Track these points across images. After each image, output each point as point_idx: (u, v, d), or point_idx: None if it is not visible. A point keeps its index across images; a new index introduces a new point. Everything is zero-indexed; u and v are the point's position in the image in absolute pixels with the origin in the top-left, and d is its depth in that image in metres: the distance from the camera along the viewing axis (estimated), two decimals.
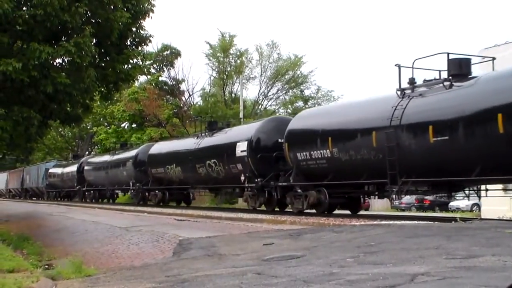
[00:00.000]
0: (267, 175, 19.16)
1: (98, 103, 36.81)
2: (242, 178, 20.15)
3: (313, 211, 17.54)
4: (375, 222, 12.59)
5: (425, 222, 12.32)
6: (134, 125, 52.27)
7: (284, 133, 18.44)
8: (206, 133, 24.00)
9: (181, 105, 51.72)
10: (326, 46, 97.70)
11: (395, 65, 14.96)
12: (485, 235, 8.41)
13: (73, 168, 42.16)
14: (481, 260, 6.20)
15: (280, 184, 18.62)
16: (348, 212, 18.23)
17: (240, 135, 21.00)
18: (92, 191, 38.70)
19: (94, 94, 19.45)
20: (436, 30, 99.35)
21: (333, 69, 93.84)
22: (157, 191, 28.07)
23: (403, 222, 12.44)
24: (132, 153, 31.77)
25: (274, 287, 5.73)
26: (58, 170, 46.58)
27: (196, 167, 23.15)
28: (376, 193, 16.87)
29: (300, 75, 49.66)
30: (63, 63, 17.22)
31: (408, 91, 14.66)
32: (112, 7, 16.52)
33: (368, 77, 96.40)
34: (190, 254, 9.87)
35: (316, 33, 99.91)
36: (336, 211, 18.64)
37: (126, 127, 54.29)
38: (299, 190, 17.55)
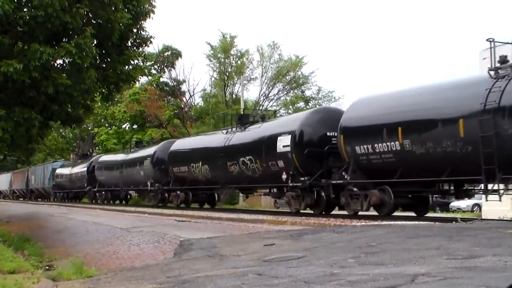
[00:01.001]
0: (314, 173, 17.20)
1: (99, 104, 36.74)
2: (284, 176, 18.16)
3: (365, 213, 15.95)
4: (376, 223, 12.59)
5: (426, 222, 12.31)
6: (135, 126, 52.34)
7: (331, 125, 17.00)
8: (237, 128, 21.95)
9: (182, 106, 51.78)
10: (327, 46, 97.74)
11: (487, 39, 13.18)
12: (486, 236, 8.41)
13: (83, 167, 40.31)
14: (482, 261, 6.20)
15: (334, 182, 16.47)
16: (342, 212, 17.47)
17: (281, 129, 18.83)
18: (103, 192, 36.91)
19: (95, 95, 19.46)
20: (436, 30, 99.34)
21: (334, 69, 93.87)
22: (178, 192, 26.08)
23: (404, 222, 12.43)
24: (150, 151, 29.74)
25: (275, 287, 5.73)
26: (66, 170, 44.70)
27: (227, 165, 21.10)
28: (453, 191, 15.02)
29: (301, 75, 49.65)
30: (64, 64, 17.24)
31: (503, 71, 12.71)
32: (113, 8, 16.53)
33: (369, 78, 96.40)
34: (191, 254, 9.87)
35: (317, 33, 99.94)
36: (334, 211, 18.31)
37: (127, 128, 54.35)
38: (355, 189, 15.69)
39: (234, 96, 49.81)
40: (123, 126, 54.71)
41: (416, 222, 12.19)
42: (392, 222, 12.34)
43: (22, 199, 60.09)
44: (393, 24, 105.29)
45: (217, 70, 49.25)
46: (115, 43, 17.42)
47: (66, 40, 16.10)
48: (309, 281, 5.81)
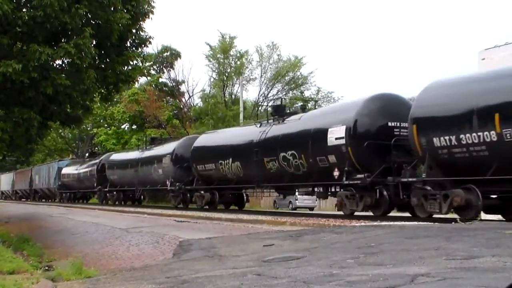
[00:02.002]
0: (374, 169, 15.18)
1: (98, 104, 36.72)
2: (336, 173, 16.07)
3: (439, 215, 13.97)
4: (375, 223, 12.58)
5: (425, 223, 12.31)
6: (134, 127, 52.33)
7: (393, 114, 15.34)
8: (274, 120, 19.91)
9: (181, 106, 51.79)
10: (326, 47, 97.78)
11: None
12: (485, 236, 8.41)
13: (92, 166, 38.01)
14: (481, 261, 6.20)
15: (405, 180, 14.28)
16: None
17: (332, 119, 16.64)
18: (115, 192, 34.43)
19: (94, 95, 19.49)
20: (436, 30, 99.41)
21: (333, 70, 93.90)
22: (202, 192, 23.66)
23: (403, 223, 12.43)
24: (169, 147, 27.30)
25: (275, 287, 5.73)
26: (73, 169, 42.49)
27: (264, 162, 19.00)
28: None
29: (300, 76, 49.72)
30: (63, 65, 17.26)
31: None
32: (112, 8, 16.55)
33: (368, 78, 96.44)
34: (190, 255, 9.87)
35: (316, 34, 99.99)
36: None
37: (126, 128, 54.34)
38: (429, 188, 13.52)
39: (233, 96, 49.84)
40: (122, 127, 54.70)
41: (416, 223, 12.19)
42: (391, 223, 12.35)
43: (25, 199, 58.38)
44: (392, 24, 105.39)
45: (216, 71, 49.31)
46: (114, 44, 17.44)
47: (65, 40, 16.13)
48: (308, 282, 5.81)
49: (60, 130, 59.62)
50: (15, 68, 14.85)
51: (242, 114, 41.31)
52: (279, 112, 20.13)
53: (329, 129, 16.25)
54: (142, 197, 34.29)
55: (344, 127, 15.77)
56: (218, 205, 23.79)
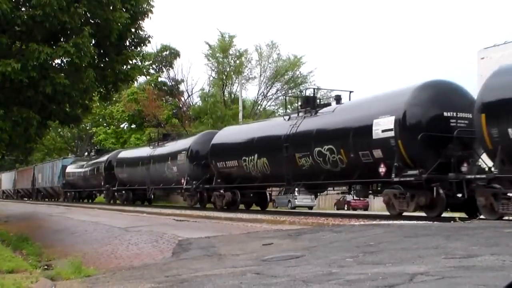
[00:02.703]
0: (428, 164, 13.55)
1: (97, 103, 36.70)
2: (383, 169, 14.56)
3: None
4: (374, 222, 12.59)
5: (424, 222, 12.31)
6: (133, 126, 52.35)
7: (447, 104, 13.91)
8: (306, 112, 18.24)
9: (181, 105, 51.82)
10: (326, 46, 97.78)
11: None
12: (484, 235, 8.42)
13: (99, 164, 36.40)
14: (480, 260, 6.21)
15: (471, 177, 12.80)
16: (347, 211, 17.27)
17: (377, 109, 15.00)
18: (123, 191, 32.80)
19: (93, 94, 19.48)
20: (436, 30, 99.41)
21: (332, 69, 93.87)
22: (222, 191, 22.01)
23: (402, 222, 12.43)
24: (184, 143, 25.73)
25: (274, 287, 5.73)
26: (79, 167, 40.87)
27: (296, 157, 17.45)
28: None
29: (299, 75, 49.76)
30: (62, 64, 17.26)
31: None
32: (111, 7, 16.54)
33: (367, 78, 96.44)
34: (189, 254, 9.87)
35: (316, 34, 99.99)
36: (330, 211, 17.94)
37: (125, 127, 54.35)
38: (498, 186, 12.07)
39: (232, 95, 49.88)
40: (122, 126, 54.70)
41: (415, 222, 12.20)
42: (390, 222, 12.35)
43: (26, 199, 56.89)
44: (391, 24, 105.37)
45: (216, 70, 49.35)
46: (113, 43, 17.43)
47: (64, 39, 16.12)
48: (307, 281, 5.81)
49: (59, 129, 59.68)
50: (14, 68, 14.84)
51: (242, 113, 41.32)
52: (311, 104, 18.37)
53: (375, 121, 14.67)
54: (152, 196, 32.09)
55: (393, 118, 14.20)
56: (239, 206, 22.31)
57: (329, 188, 19.05)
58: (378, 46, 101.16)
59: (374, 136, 14.68)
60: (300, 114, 18.54)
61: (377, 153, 14.70)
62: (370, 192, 16.86)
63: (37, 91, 16.37)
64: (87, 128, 62.95)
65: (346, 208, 41.28)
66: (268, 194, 22.77)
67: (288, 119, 18.84)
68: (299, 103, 19.21)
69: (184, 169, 24.56)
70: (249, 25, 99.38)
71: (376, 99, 16.18)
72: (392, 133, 14.24)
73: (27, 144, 21.26)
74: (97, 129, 55.57)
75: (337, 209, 38.36)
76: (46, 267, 11.53)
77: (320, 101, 19.06)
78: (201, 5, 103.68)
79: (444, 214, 14.64)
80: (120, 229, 15.88)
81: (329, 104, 18.19)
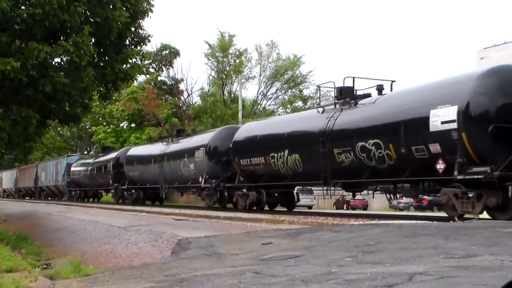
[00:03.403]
0: (499, 160, 12.07)
1: (97, 102, 36.72)
2: (441, 166, 13.01)
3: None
4: (373, 222, 12.59)
5: (424, 221, 12.31)
6: (133, 125, 52.37)
7: None
8: (345, 104, 16.58)
9: (180, 104, 51.85)
10: (325, 46, 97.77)
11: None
12: (483, 235, 8.42)
13: (107, 162, 34.67)
14: (479, 260, 6.21)
15: None
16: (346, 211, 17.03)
17: (434, 99, 13.45)
18: (134, 190, 31.10)
19: (93, 93, 19.49)
20: (435, 29, 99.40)
21: (331, 69, 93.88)
22: (245, 190, 20.47)
23: (401, 221, 12.44)
24: (202, 139, 24.06)
25: (273, 286, 5.73)
26: (85, 165, 39.24)
27: (334, 153, 15.96)
28: None
29: (299, 74, 49.76)
30: (62, 63, 17.25)
31: None
32: (111, 6, 16.54)
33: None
34: (188, 253, 9.87)
35: (315, 33, 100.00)
36: (332, 210, 17.80)
37: (125, 126, 54.36)
38: None
39: (232, 95, 49.90)
40: (121, 125, 54.70)
41: (414, 222, 12.20)
42: (389, 222, 12.36)
43: (28, 198, 55.44)
44: (391, 24, 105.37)
45: (215, 69, 49.37)
46: (113, 42, 17.43)
47: (64, 38, 16.12)
48: (306, 280, 5.81)
49: (59, 128, 59.70)
50: (13, 66, 14.84)
51: (241, 113, 41.33)
52: (349, 95, 16.68)
53: (432, 112, 13.14)
54: (164, 195, 30.57)
55: (455, 107, 12.63)
56: (264, 206, 20.70)
57: (369, 187, 17.28)
58: (377, 46, 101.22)
59: (432, 129, 13.11)
60: (337, 106, 16.86)
61: (435, 147, 13.16)
62: (421, 191, 15.24)
63: (36, 90, 16.36)
64: (87, 127, 62.98)
65: (345, 208, 41.36)
66: (295, 194, 21.19)
67: (323, 112, 17.21)
68: (334, 94, 17.28)
69: (202, 167, 23.01)
70: (249, 24, 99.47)
71: (430, 88, 14.46)
72: (454, 125, 12.66)
73: (26, 143, 21.25)
74: (97, 128, 55.57)
75: (337, 208, 38.41)
76: (45, 266, 11.53)
77: (355, 92, 16.89)
78: (201, 4, 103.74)
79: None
80: (120, 228, 15.87)
81: (368, 95, 16.56)
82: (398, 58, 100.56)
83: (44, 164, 51.69)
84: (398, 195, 17.07)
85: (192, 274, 7.26)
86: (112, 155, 34.99)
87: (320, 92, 17.97)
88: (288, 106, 49.98)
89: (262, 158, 19.23)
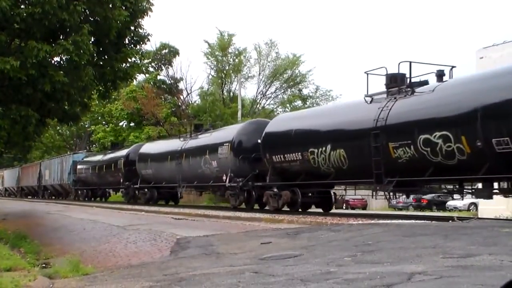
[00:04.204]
0: None
1: (96, 101, 36.60)
2: None
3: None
4: (372, 221, 12.60)
5: (423, 221, 12.34)
6: (132, 124, 52.32)
7: None
8: (399, 92, 14.79)
9: (179, 104, 51.81)
10: (325, 45, 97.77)
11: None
12: (482, 234, 8.43)
13: (117, 159, 32.57)
14: (478, 259, 6.21)
15: None
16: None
17: None
18: (147, 189, 29.13)
19: (92, 92, 19.46)
20: (435, 29, 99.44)
21: (331, 68, 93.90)
22: (275, 189, 18.51)
23: (400, 221, 12.45)
24: (227, 134, 22.18)
25: (272, 285, 5.73)
26: (92, 163, 37.32)
27: (389, 148, 14.16)
28: None
29: (298, 74, 49.74)
30: (61, 62, 17.23)
31: None
32: (110, 5, 16.51)
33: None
34: (187, 253, 9.87)
35: (315, 32, 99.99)
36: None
37: (124, 125, 54.33)
38: None
39: (231, 94, 49.87)
40: (120, 124, 54.67)
41: (413, 221, 12.22)
42: (388, 221, 12.37)
43: (31, 197, 53.91)
44: (391, 23, 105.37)
45: (215, 68, 49.35)
46: (112, 41, 17.40)
47: (63, 37, 16.10)
48: (305, 280, 5.81)
49: (58, 127, 59.62)
50: (13, 65, 14.82)
51: (241, 112, 41.32)
52: (402, 83, 15.06)
53: None
54: (180, 195, 28.78)
55: None
56: (299, 207, 18.57)
57: (430, 186, 15.40)
58: (377, 45, 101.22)
59: None
60: (390, 95, 15.05)
61: None
62: (497, 191, 13.47)
63: (36, 89, 16.35)
64: (86, 126, 62.90)
65: (344, 207, 41.33)
66: (333, 194, 19.22)
67: (371, 101, 15.43)
68: (385, 82, 15.44)
69: (226, 164, 21.10)
70: (248, 23, 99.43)
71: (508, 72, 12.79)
72: None
73: (25, 142, 21.23)
74: (96, 127, 55.52)
75: (336, 208, 38.36)
76: (44, 265, 11.51)
77: (408, 80, 15.11)
78: (201, 3, 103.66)
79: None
80: (119, 227, 15.87)
81: (425, 82, 14.78)
82: (397, 57, 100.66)
83: (48, 162, 49.95)
84: (462, 195, 15.35)
85: (191, 273, 7.26)
86: (123, 152, 32.95)
87: (368, 79, 15.17)
88: (287, 105, 49.96)
89: (299, 154, 17.34)
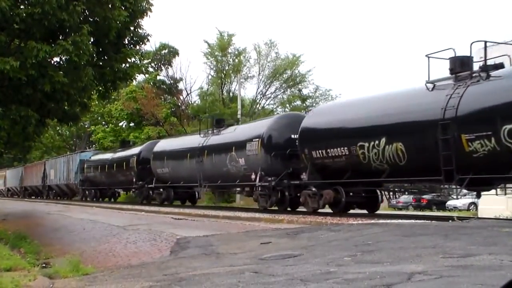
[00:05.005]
0: None
1: (96, 102, 36.51)
2: None
3: None
4: (372, 221, 12.60)
5: (423, 221, 12.33)
6: (132, 124, 52.29)
7: None
8: (472, 77, 12.99)
9: (179, 104, 51.80)
10: (324, 45, 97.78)
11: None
12: (482, 234, 8.44)
13: (129, 158, 30.71)
14: (478, 259, 6.22)
15: None
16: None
17: None
18: (162, 189, 27.39)
19: (92, 93, 19.45)
20: (434, 28, 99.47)
21: (330, 68, 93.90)
22: (313, 188, 16.78)
23: (400, 221, 12.45)
24: (256, 129, 20.28)
25: (272, 285, 5.74)
26: (101, 162, 35.42)
27: (463, 140, 12.45)
28: None
29: (298, 74, 49.69)
30: (61, 62, 17.23)
31: None
32: (110, 5, 16.51)
33: (366, 76, 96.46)
34: (187, 253, 9.88)
35: (314, 32, 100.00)
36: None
37: (124, 126, 54.31)
38: None
39: (231, 94, 49.83)
40: (120, 124, 54.65)
41: (413, 221, 12.22)
42: (388, 221, 12.36)
43: (34, 197, 52.44)
44: (390, 22, 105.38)
45: (214, 68, 49.29)
46: (112, 41, 17.40)
47: (63, 37, 16.10)
48: (305, 279, 5.81)
49: (58, 128, 59.55)
50: (12, 66, 14.82)
51: (240, 112, 41.31)
52: (468, 67, 13.39)
53: None
54: (198, 195, 27.24)
55: None
56: (343, 208, 16.54)
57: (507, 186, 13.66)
58: (376, 44, 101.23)
59: None
60: (458, 80, 13.35)
61: None
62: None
63: (35, 89, 16.35)
64: (86, 126, 62.87)
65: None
66: (379, 193, 16.97)
67: (433, 88, 13.67)
68: (450, 67, 13.75)
69: (256, 162, 19.36)
70: (247, 24, 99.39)
71: None
72: None
73: (25, 142, 21.24)
74: (96, 128, 55.48)
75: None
76: (44, 265, 11.51)
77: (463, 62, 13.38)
78: (200, 4, 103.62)
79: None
80: (119, 227, 15.88)
81: (500, 66, 13.10)
82: (397, 56, 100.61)
83: (53, 161, 48.15)
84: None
85: (191, 273, 7.26)
86: (135, 150, 31.29)
87: (429, 63, 13.18)
88: (287, 105, 49.94)
89: (345, 148, 15.53)
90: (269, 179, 18.62)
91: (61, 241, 16.27)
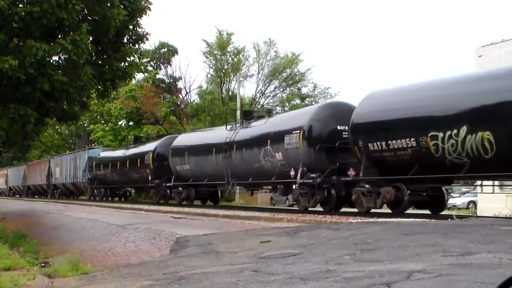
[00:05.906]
0: None
1: (95, 100, 36.49)
2: None
3: None
4: (371, 220, 12.61)
5: (422, 219, 12.34)
6: (131, 123, 52.29)
7: None
8: None
9: (178, 102, 51.81)
10: (323, 44, 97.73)
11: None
12: (481, 232, 8.45)
13: (144, 154, 28.27)
14: (477, 257, 6.22)
15: None
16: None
17: None
18: (181, 188, 25.25)
19: (91, 91, 19.43)
20: (433, 27, 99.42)
21: (330, 67, 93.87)
22: (367, 185, 15.06)
23: (399, 219, 12.46)
24: (295, 120, 18.30)
25: (271, 284, 5.74)
26: (113, 159, 33.07)
27: None
28: None
29: (297, 73, 49.70)
30: (60, 61, 17.20)
31: None
32: (109, 4, 16.49)
33: (365, 75, 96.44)
34: (187, 251, 9.88)
35: (313, 31, 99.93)
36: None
37: (123, 124, 54.31)
38: None
39: (230, 93, 49.82)
40: (119, 123, 54.64)
41: (412, 220, 12.23)
42: (387, 219, 12.37)
43: (38, 196, 50.44)
44: (389, 21, 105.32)
45: (213, 67, 49.30)
46: (111, 40, 17.38)
47: (62, 36, 16.08)
48: (305, 278, 5.82)
49: (57, 127, 59.47)
50: (11, 64, 14.80)
51: (240, 111, 41.32)
52: None
53: None
54: (227, 193, 24.91)
55: None
56: (405, 207, 14.57)
57: None
58: (376, 43, 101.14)
59: None
60: None
61: None
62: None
63: (34, 88, 16.33)
64: (85, 125, 62.86)
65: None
66: (444, 191, 14.90)
67: None
68: None
69: (296, 156, 17.38)
70: (247, 22, 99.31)
71: None
72: None
73: (24, 141, 21.22)
74: (95, 126, 55.47)
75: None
76: (43, 264, 11.51)
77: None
78: (199, 2, 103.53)
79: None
80: (118, 226, 15.88)
81: None
82: (396, 55, 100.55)
83: (58, 158, 45.94)
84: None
85: (191, 272, 7.26)
86: (150, 146, 28.92)
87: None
88: (286, 104, 49.95)
89: (413, 139, 13.48)
90: (313, 175, 16.64)
91: (61, 240, 16.26)
